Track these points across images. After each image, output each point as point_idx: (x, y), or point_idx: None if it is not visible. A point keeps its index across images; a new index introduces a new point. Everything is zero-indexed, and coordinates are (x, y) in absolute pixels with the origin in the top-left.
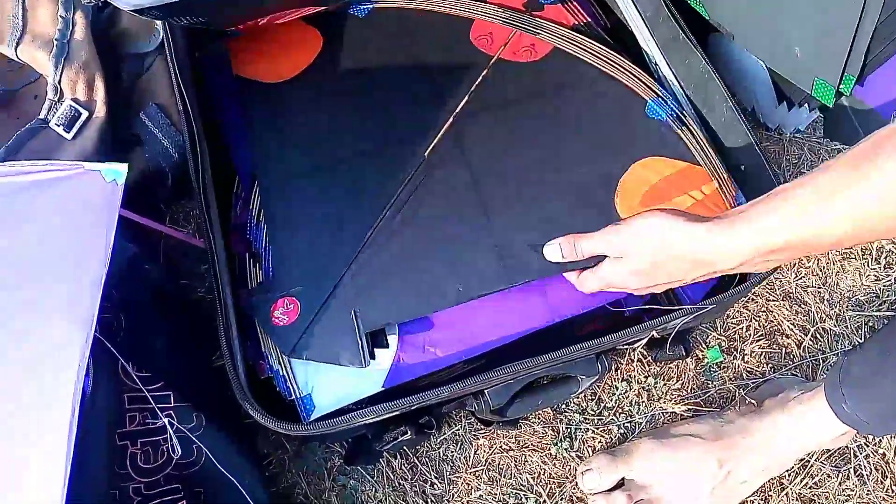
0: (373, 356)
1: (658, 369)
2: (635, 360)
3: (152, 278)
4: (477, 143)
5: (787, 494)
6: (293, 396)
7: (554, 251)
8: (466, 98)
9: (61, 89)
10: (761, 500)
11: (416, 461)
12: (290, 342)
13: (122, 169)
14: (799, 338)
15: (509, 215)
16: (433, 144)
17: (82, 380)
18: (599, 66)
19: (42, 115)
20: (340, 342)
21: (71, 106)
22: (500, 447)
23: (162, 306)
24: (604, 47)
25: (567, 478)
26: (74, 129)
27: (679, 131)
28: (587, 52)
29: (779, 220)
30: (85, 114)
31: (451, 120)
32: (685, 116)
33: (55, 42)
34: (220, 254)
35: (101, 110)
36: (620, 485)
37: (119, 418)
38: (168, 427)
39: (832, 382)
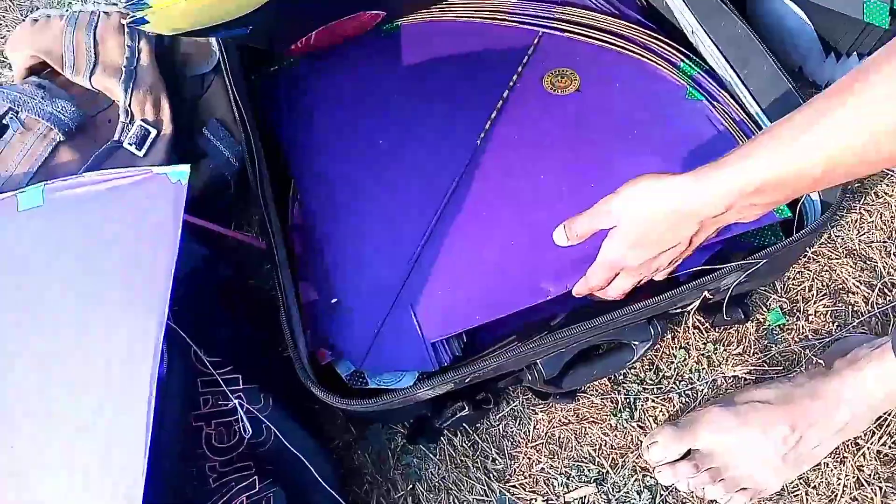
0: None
1: (717, 335)
2: (692, 326)
3: (221, 277)
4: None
5: (864, 454)
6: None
7: (559, 235)
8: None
9: (131, 112)
10: (836, 461)
11: (477, 438)
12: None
13: (185, 169)
14: (865, 294)
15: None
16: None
17: (157, 364)
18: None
19: (116, 137)
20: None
21: (141, 126)
22: (560, 420)
23: (230, 301)
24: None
25: (629, 448)
26: (145, 147)
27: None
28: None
29: (756, 158)
30: (154, 132)
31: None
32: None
33: (123, 69)
34: (280, 248)
35: (167, 128)
36: (687, 455)
37: (193, 401)
38: (238, 408)
39: None
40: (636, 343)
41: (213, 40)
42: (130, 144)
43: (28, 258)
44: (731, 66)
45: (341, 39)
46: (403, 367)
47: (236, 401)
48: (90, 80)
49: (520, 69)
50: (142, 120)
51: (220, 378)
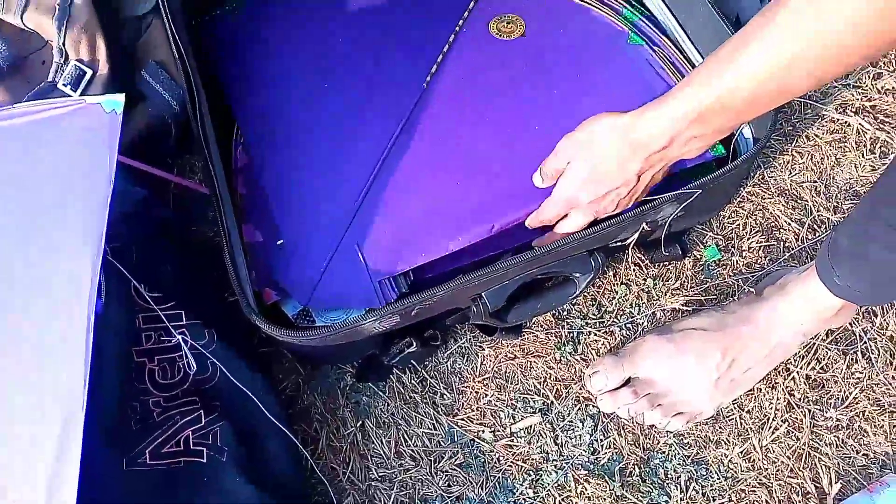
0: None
1: (656, 271)
2: (633, 263)
3: (162, 219)
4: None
5: (793, 378)
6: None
7: (537, 178)
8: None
9: (66, 51)
10: (768, 386)
11: (426, 375)
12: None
13: (119, 99)
14: (796, 230)
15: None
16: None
17: (94, 297)
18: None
19: (50, 78)
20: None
21: (76, 66)
22: (506, 356)
23: (172, 243)
24: None
25: (573, 380)
26: (81, 88)
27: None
28: None
29: (692, 88)
30: (89, 72)
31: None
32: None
33: (57, 7)
34: (223, 189)
35: (103, 68)
36: (627, 383)
37: (134, 336)
38: (182, 344)
39: (822, 257)
40: (578, 276)
41: None
42: (65, 85)
43: None
44: (671, 12)
45: None
46: (350, 305)
47: (179, 336)
48: (21, 18)
49: (465, 14)
50: (77, 60)
51: (161, 313)
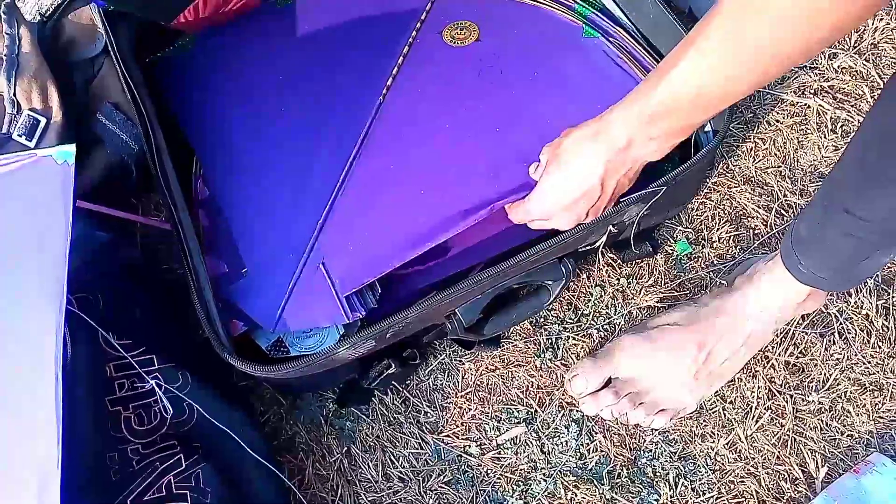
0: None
1: (629, 270)
2: (605, 265)
3: (128, 262)
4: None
5: (773, 366)
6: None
7: (533, 169)
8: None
9: (18, 102)
10: (748, 376)
11: (408, 394)
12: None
13: (70, 149)
14: (764, 217)
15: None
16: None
17: (60, 350)
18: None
19: (4, 130)
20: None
21: (29, 115)
22: (486, 368)
23: (139, 285)
24: None
25: (555, 386)
26: (36, 137)
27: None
28: None
29: (645, 89)
30: (43, 121)
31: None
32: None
33: (4, 58)
34: (186, 225)
35: (57, 115)
36: (608, 384)
37: (106, 385)
38: (156, 388)
39: (786, 246)
40: (550, 283)
41: (98, 22)
42: (20, 136)
43: None
44: (621, 10)
45: (232, 13)
46: (318, 324)
47: (153, 381)
48: None
49: (418, 25)
50: (29, 109)
51: (132, 360)
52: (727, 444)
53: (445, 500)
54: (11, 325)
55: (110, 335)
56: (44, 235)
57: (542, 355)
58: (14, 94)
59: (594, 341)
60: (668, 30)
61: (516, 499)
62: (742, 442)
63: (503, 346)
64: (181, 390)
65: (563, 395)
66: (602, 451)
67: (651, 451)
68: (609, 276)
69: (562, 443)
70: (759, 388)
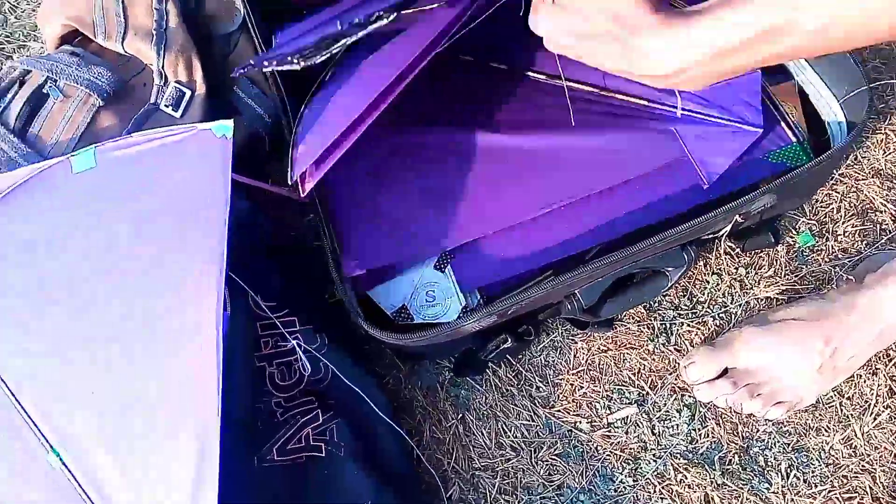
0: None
1: (748, 259)
2: (723, 252)
3: (264, 229)
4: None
5: (895, 364)
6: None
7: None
8: None
9: (165, 74)
10: (868, 373)
11: (521, 368)
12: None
13: (229, 124)
14: (892, 212)
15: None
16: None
17: (222, 310)
18: None
19: (152, 100)
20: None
21: (176, 87)
22: (599, 348)
23: (275, 251)
24: None
25: (667, 370)
26: (181, 108)
27: None
28: None
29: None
30: (188, 93)
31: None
32: None
33: (154, 32)
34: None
35: (201, 88)
36: (724, 374)
37: (255, 342)
38: (297, 348)
39: None
40: (670, 269)
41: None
42: (167, 106)
43: (88, 219)
44: None
45: None
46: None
47: (294, 341)
48: (122, 45)
49: None
50: (176, 81)
51: (277, 321)
52: (843, 439)
53: (556, 472)
54: (181, 287)
55: (259, 297)
56: (207, 204)
57: (656, 339)
58: (162, 67)
59: (709, 329)
60: None
61: (626, 476)
62: (858, 438)
63: (616, 328)
64: (318, 351)
65: (675, 379)
66: (714, 437)
67: (764, 440)
68: (727, 264)
69: (673, 426)
70: (879, 385)
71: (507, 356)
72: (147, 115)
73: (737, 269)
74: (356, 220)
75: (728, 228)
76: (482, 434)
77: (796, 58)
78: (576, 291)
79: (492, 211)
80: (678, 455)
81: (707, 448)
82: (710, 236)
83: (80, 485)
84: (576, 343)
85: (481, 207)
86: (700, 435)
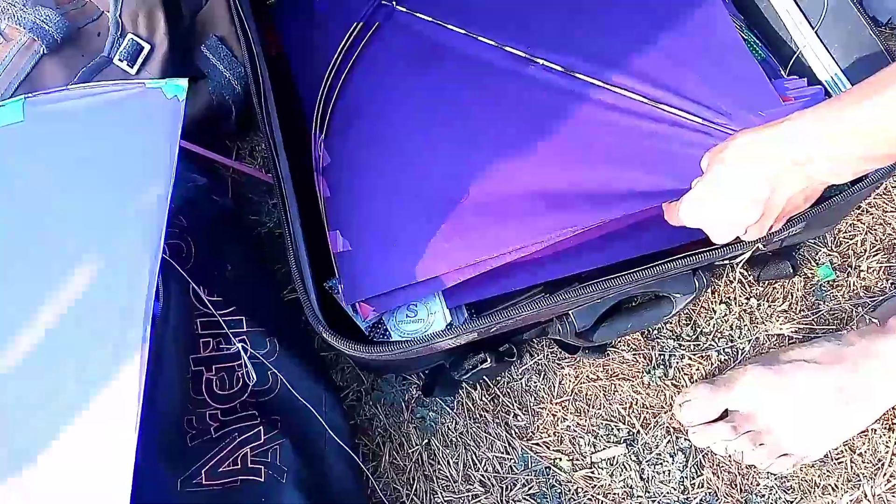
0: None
1: (761, 290)
2: (735, 280)
3: (222, 209)
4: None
5: None
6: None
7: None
8: None
9: (122, 24)
10: (884, 428)
11: (497, 392)
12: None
13: (182, 84)
14: None
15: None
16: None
17: (152, 301)
18: None
19: (105, 52)
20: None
21: (132, 40)
22: (587, 376)
23: (232, 235)
24: None
25: (662, 407)
26: (138, 64)
27: None
28: None
29: (852, 98)
30: (147, 48)
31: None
32: None
33: None
34: (286, 181)
35: (162, 44)
36: (724, 416)
37: (192, 342)
38: (242, 352)
39: None
40: (676, 295)
41: None
42: (121, 60)
43: (7, 178)
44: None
45: None
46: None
47: (239, 344)
48: None
49: None
50: (133, 34)
51: (221, 319)
52: (852, 500)
53: None
54: (105, 272)
55: (201, 289)
56: (145, 176)
57: (652, 372)
58: (119, 16)
59: (712, 364)
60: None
61: None
62: (868, 500)
63: (608, 355)
64: (267, 358)
65: (670, 419)
66: (709, 488)
67: (764, 496)
68: (738, 293)
69: (664, 472)
70: (894, 442)
71: (485, 377)
72: (98, 67)
73: (748, 299)
74: (367, 241)
75: (748, 255)
76: (448, 464)
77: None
78: (570, 312)
79: (504, 238)
80: None
81: (700, 500)
82: (727, 262)
83: None
84: (562, 368)
85: (495, 234)
86: (693, 484)
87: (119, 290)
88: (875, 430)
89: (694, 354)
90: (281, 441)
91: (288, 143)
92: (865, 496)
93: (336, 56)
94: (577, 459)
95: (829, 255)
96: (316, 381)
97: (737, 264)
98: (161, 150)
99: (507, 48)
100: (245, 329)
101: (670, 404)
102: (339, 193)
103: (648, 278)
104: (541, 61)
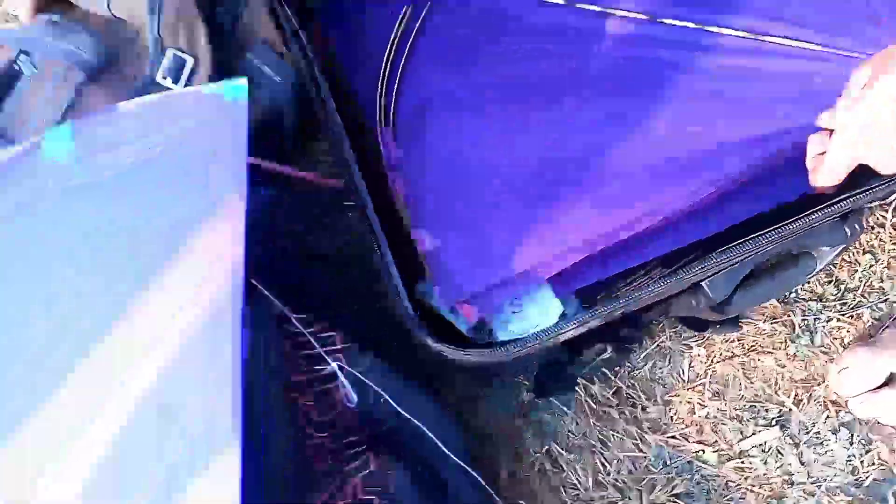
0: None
1: None
2: (877, 225)
3: (294, 221)
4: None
5: None
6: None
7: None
8: None
9: (162, 40)
10: None
11: (619, 384)
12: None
13: (242, 83)
14: None
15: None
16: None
17: (240, 331)
18: None
19: (147, 72)
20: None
21: (174, 55)
22: (720, 355)
23: (310, 249)
24: None
25: (814, 379)
26: (183, 78)
27: None
28: None
29: None
30: (190, 61)
31: None
32: None
33: None
34: (360, 180)
35: (205, 55)
36: (889, 381)
37: (283, 368)
38: (338, 372)
39: None
40: (824, 248)
41: None
42: (165, 77)
43: (59, 218)
44: None
45: None
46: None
47: (335, 364)
48: (108, 7)
49: None
50: (174, 47)
51: (312, 339)
52: None
53: None
54: (188, 307)
55: (287, 309)
56: (218, 196)
57: (797, 340)
58: (158, 32)
59: (865, 324)
60: None
61: None
62: None
63: (741, 327)
64: (366, 375)
65: (826, 391)
66: (881, 464)
67: None
68: (882, 239)
69: (827, 452)
70: None
71: (603, 369)
72: (142, 89)
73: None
74: (457, 236)
75: None
76: (575, 470)
77: None
78: (702, 283)
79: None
80: (837, 490)
81: (874, 479)
82: (877, 203)
83: None
84: (690, 349)
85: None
86: (863, 462)
87: (202, 328)
88: None
89: (842, 315)
90: (394, 468)
91: (353, 143)
92: None
93: (390, 43)
94: (723, 449)
95: None
96: (424, 397)
97: (891, 203)
98: (230, 161)
99: (579, 5)
100: (339, 346)
101: (823, 375)
102: (417, 188)
103: (797, 232)
104: (620, 13)
